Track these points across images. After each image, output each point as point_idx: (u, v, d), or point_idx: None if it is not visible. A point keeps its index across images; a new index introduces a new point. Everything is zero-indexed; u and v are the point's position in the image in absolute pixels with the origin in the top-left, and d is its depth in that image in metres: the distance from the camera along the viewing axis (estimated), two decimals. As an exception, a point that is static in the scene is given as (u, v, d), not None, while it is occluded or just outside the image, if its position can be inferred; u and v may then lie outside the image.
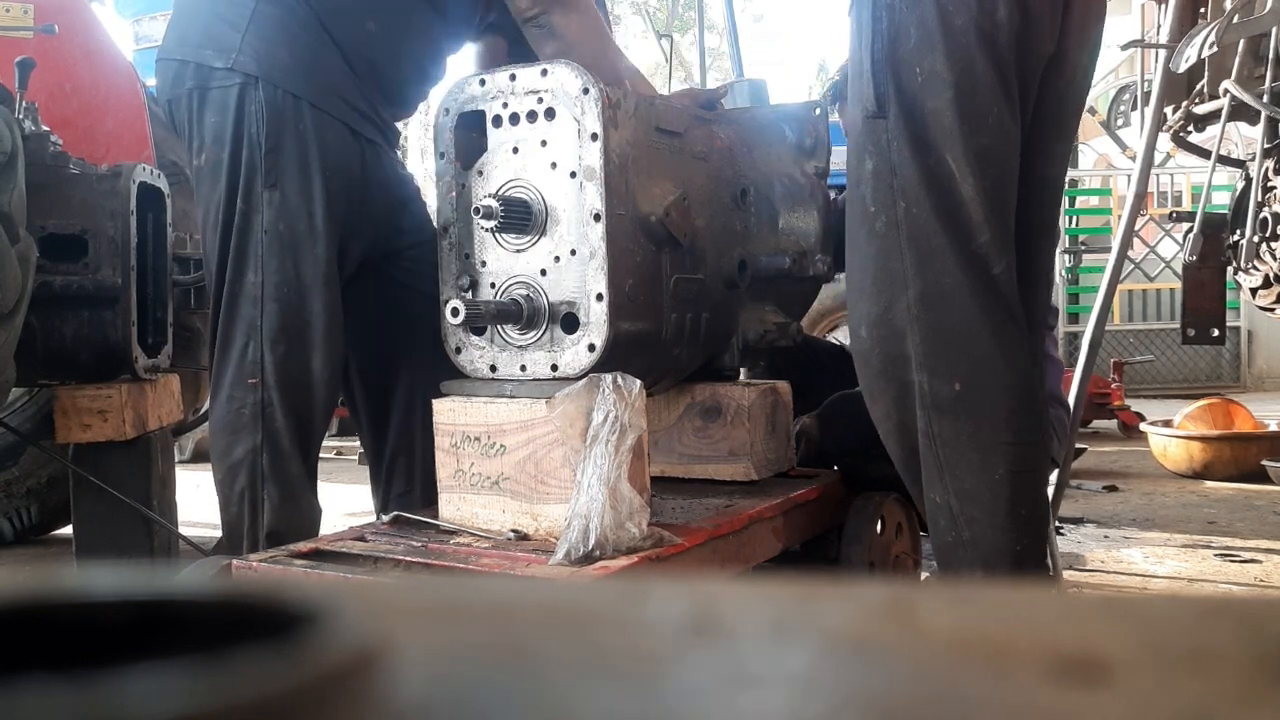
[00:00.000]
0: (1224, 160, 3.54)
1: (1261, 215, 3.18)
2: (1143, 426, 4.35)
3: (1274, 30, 3.04)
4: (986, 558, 1.64)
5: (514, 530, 1.63)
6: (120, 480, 2.58)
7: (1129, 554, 2.75)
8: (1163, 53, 3.40)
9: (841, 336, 5.04)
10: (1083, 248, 7.97)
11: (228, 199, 1.84)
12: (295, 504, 1.87)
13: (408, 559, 1.57)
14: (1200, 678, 0.28)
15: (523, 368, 1.72)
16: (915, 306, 1.65)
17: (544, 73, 1.69)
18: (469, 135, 1.78)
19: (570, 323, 1.68)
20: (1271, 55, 3.07)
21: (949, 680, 0.28)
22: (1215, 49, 3.07)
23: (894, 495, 2.09)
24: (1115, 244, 3.65)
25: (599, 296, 1.65)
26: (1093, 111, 6.02)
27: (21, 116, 2.45)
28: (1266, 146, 3.20)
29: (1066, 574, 2.48)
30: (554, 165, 1.68)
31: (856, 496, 2.08)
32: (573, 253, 1.67)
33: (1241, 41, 3.13)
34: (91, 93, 3.22)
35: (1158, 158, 4.16)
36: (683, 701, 0.27)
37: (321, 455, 5.83)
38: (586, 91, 1.66)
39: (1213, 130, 3.40)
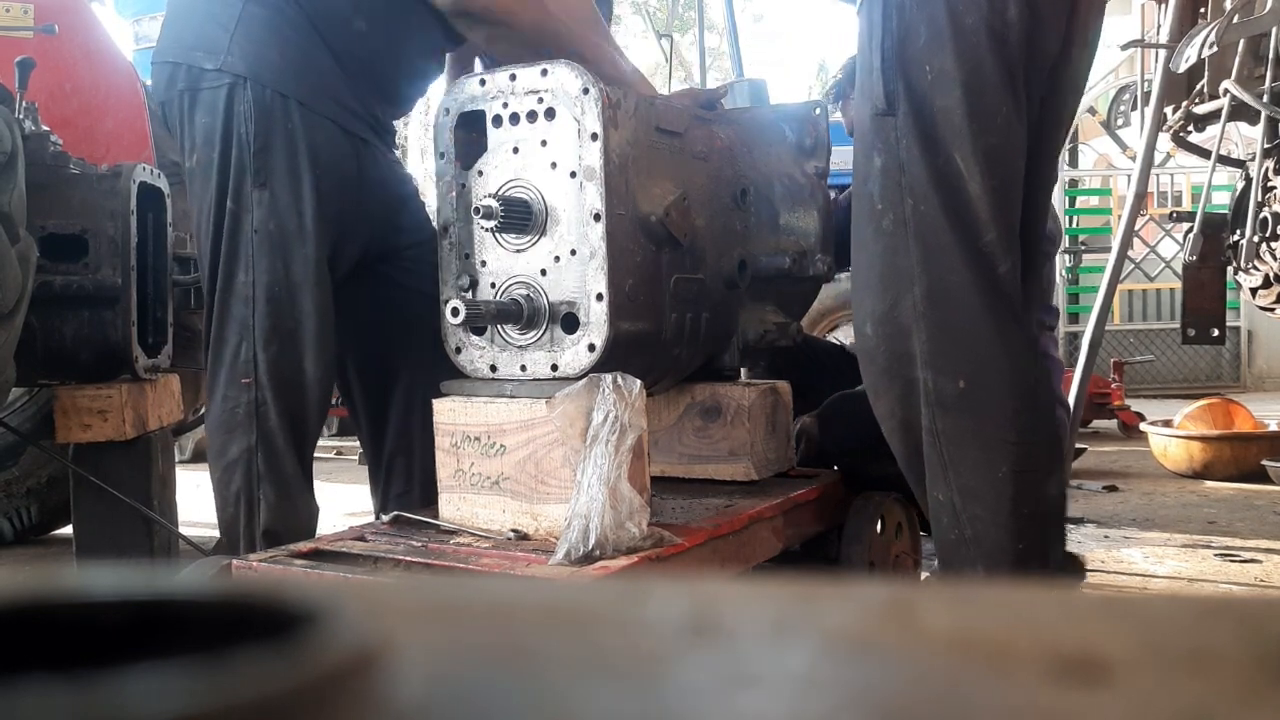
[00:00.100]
0: (1224, 160, 3.55)
1: (1261, 215, 3.18)
2: (1143, 426, 4.35)
3: (1274, 30, 3.04)
4: (988, 556, 1.64)
5: (514, 530, 1.63)
6: (120, 480, 2.58)
7: (1129, 554, 2.75)
8: (1163, 53, 3.40)
9: (842, 336, 5.04)
10: (1083, 248, 7.98)
11: (218, 199, 1.85)
12: (291, 503, 1.88)
13: (408, 559, 1.57)
14: (1200, 678, 0.28)
15: (523, 368, 1.72)
16: (921, 304, 1.65)
17: (544, 73, 1.69)
18: (469, 135, 1.78)
19: (570, 323, 1.68)
20: (1271, 55, 3.07)
21: (949, 680, 0.28)
22: (1215, 49, 3.07)
23: (894, 495, 2.09)
24: (1115, 244, 3.65)
25: (599, 296, 1.65)
26: (1093, 111, 6.03)
27: (21, 116, 2.45)
28: (1266, 146, 3.20)
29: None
30: (554, 165, 1.68)
31: (856, 496, 2.08)
32: (573, 253, 1.67)
33: (1241, 41, 3.13)
34: (91, 93, 3.22)
35: (1158, 158, 4.16)
36: (683, 701, 0.27)
37: (321, 455, 5.82)
38: (586, 91, 1.66)
39: (1213, 130, 3.40)
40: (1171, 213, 6.08)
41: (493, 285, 1.74)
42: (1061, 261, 7.54)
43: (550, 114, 1.69)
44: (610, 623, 0.33)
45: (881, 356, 1.72)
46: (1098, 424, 5.18)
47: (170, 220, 2.66)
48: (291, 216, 1.83)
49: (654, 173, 1.78)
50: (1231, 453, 3.88)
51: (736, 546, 1.73)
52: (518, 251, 1.72)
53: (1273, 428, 4.11)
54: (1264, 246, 3.21)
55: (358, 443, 2.70)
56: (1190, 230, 3.46)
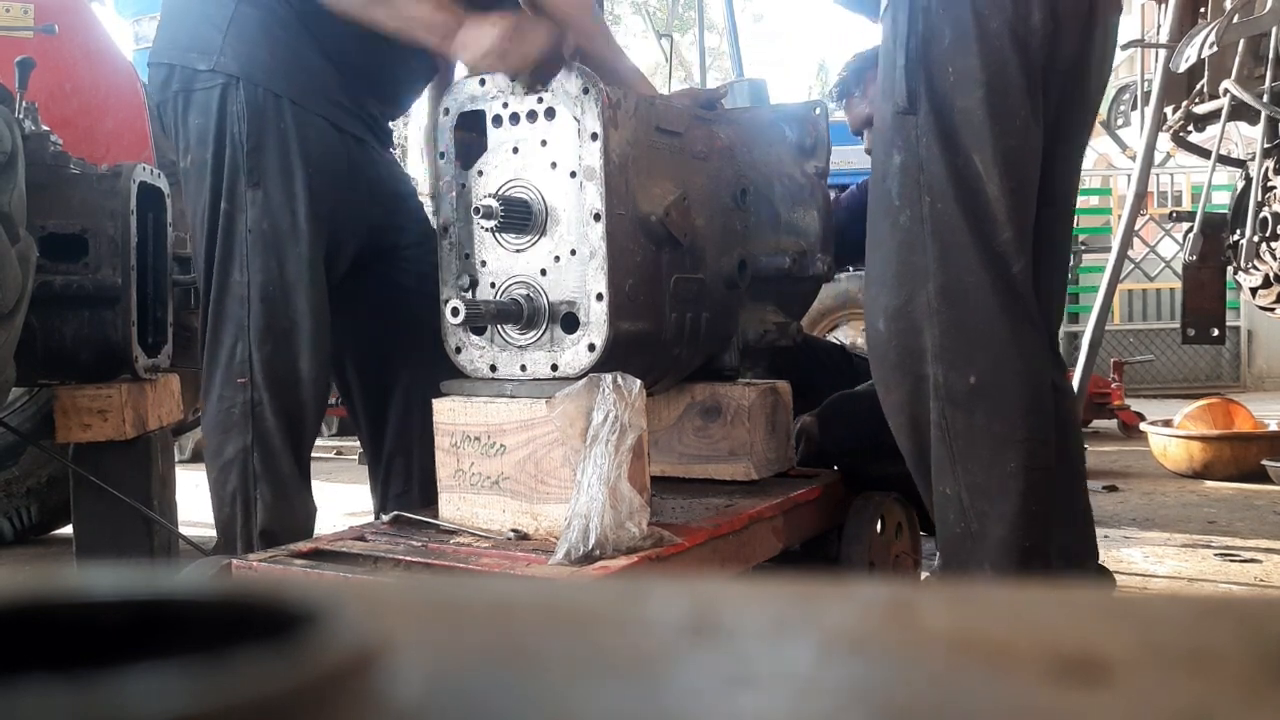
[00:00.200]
0: (1224, 160, 3.55)
1: (1261, 215, 3.18)
2: (1143, 426, 4.35)
3: (1274, 30, 3.04)
4: (993, 552, 1.66)
5: (514, 530, 1.63)
6: (120, 480, 2.58)
7: (1129, 554, 2.75)
8: (1163, 53, 3.41)
9: (842, 336, 5.05)
10: (1083, 248, 7.97)
11: (212, 199, 1.85)
12: (288, 502, 1.87)
13: (408, 559, 1.57)
14: (1200, 678, 0.28)
15: (523, 367, 1.72)
16: (935, 300, 1.68)
17: (544, 73, 1.69)
18: (469, 135, 1.78)
19: (570, 322, 1.68)
20: (1271, 55, 3.07)
21: (949, 680, 0.28)
22: (1215, 49, 3.07)
23: (894, 495, 2.09)
24: (1115, 244, 3.65)
25: (599, 296, 1.65)
26: (1093, 111, 6.02)
27: (21, 116, 2.45)
28: (1266, 146, 3.20)
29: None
30: (554, 165, 1.68)
31: (856, 496, 2.08)
32: (573, 253, 1.67)
33: (1241, 41, 3.13)
34: (91, 93, 3.23)
35: (1158, 157, 4.16)
36: (683, 701, 0.27)
37: (321, 455, 5.81)
38: (586, 91, 1.66)
39: (1213, 130, 3.40)
40: (1171, 213, 6.08)
41: (493, 285, 1.74)
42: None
43: (550, 114, 1.69)
44: (610, 623, 0.33)
45: (893, 351, 1.74)
46: (1098, 424, 5.18)
47: (170, 220, 2.66)
48: (285, 216, 1.83)
49: (654, 173, 1.78)
50: (1231, 453, 3.88)
51: (736, 546, 1.73)
52: (518, 251, 1.72)
53: (1273, 428, 4.11)
54: (1264, 246, 3.21)
55: (358, 443, 2.70)
56: (1190, 230, 3.46)
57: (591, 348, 1.66)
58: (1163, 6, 3.56)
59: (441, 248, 1.80)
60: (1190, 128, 3.54)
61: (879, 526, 2.08)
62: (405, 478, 2.11)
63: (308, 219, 1.84)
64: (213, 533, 1.99)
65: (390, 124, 2.16)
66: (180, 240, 2.79)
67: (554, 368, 1.69)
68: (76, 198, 2.49)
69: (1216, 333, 3.48)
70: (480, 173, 1.76)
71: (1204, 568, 2.63)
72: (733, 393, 1.99)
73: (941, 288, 1.67)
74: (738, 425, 1.97)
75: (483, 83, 1.75)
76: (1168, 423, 4.19)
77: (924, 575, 2.22)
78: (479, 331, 1.76)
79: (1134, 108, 4.08)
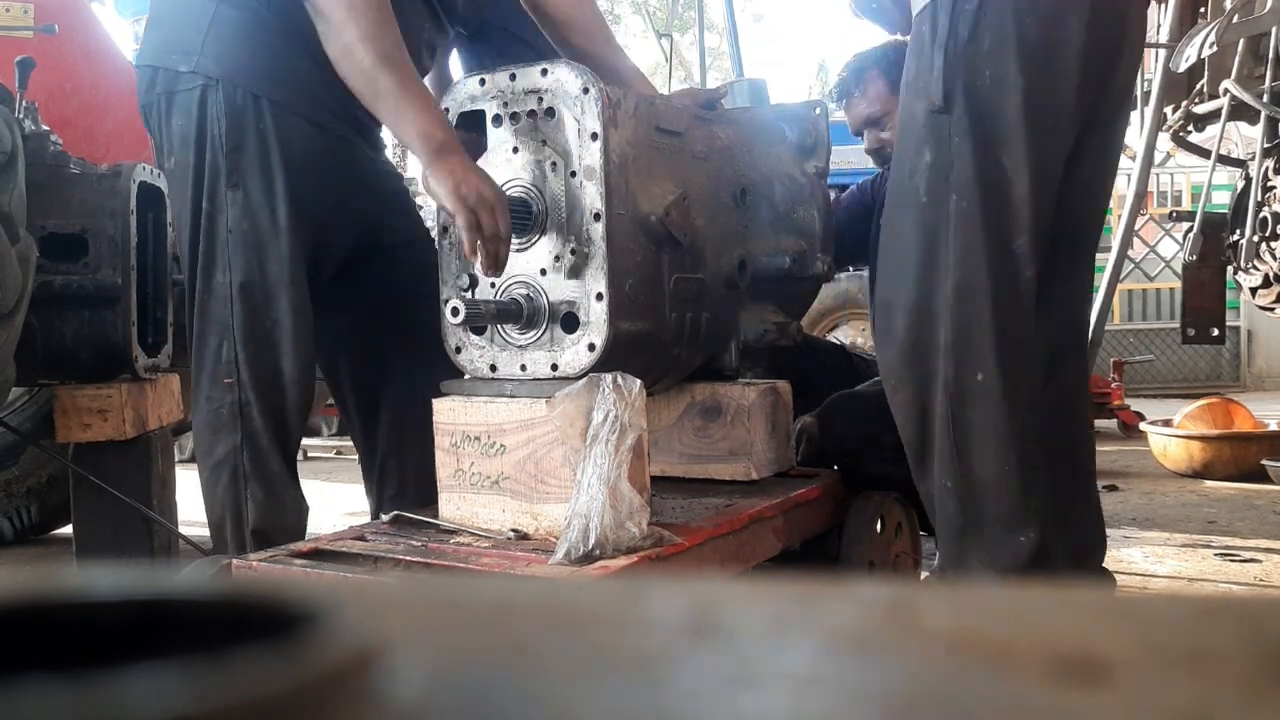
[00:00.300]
0: (1224, 160, 3.55)
1: (1261, 215, 3.19)
2: (1143, 426, 4.35)
3: (1274, 30, 3.04)
4: (990, 547, 1.68)
5: (514, 530, 1.63)
6: (120, 480, 2.58)
7: (1129, 553, 2.75)
8: (1163, 53, 3.41)
9: (842, 336, 5.04)
10: (1083, 247, 7.96)
11: (194, 200, 1.86)
12: (279, 501, 1.88)
13: (408, 559, 1.57)
14: (1200, 678, 0.28)
15: (523, 367, 1.72)
16: (951, 297, 1.71)
17: (544, 72, 1.69)
18: (469, 135, 1.78)
19: (570, 322, 1.68)
20: (1271, 55, 3.07)
21: (949, 680, 0.28)
22: (1215, 49, 3.07)
23: (894, 495, 2.09)
24: (1115, 244, 3.65)
25: (599, 296, 1.65)
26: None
27: (21, 116, 2.45)
28: (1266, 146, 3.20)
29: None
30: (554, 165, 1.68)
31: (856, 496, 2.08)
32: (573, 252, 1.67)
33: (1241, 41, 3.13)
34: (91, 93, 3.23)
35: (1158, 157, 4.17)
36: (683, 701, 0.27)
37: (321, 455, 5.80)
38: (586, 91, 1.66)
39: (1213, 130, 3.40)
40: (1171, 212, 6.08)
41: (493, 285, 1.74)
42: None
43: (550, 113, 1.69)
44: (610, 623, 0.33)
45: (909, 346, 1.78)
46: (1098, 424, 5.15)
47: (170, 220, 2.66)
48: (265, 216, 1.84)
49: (654, 172, 1.78)
50: (1231, 452, 3.88)
51: (736, 546, 1.73)
52: (518, 251, 1.72)
53: (1272, 427, 4.11)
54: (1264, 246, 3.21)
55: (357, 442, 2.69)
56: (1190, 230, 3.46)
57: (591, 347, 1.66)
58: (1163, 6, 3.56)
59: (441, 248, 1.80)
60: (1190, 128, 3.54)
61: (879, 526, 2.08)
62: (400, 479, 2.11)
63: (288, 219, 1.84)
64: (212, 532, 1.99)
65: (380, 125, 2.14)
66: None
67: (554, 367, 1.69)
68: (76, 198, 2.49)
69: (1216, 333, 3.49)
70: (480, 173, 1.75)
71: (1204, 568, 2.63)
72: (733, 393, 1.99)
73: (958, 285, 1.71)
74: (738, 425, 1.97)
75: (483, 82, 1.75)
76: (1168, 423, 4.19)
77: (924, 575, 2.22)
78: (479, 331, 1.76)
79: (1134, 108, 4.08)
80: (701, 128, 1.95)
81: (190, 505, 3.14)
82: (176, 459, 3.02)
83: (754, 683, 0.28)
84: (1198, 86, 3.38)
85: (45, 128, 2.57)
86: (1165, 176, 7.93)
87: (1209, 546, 2.83)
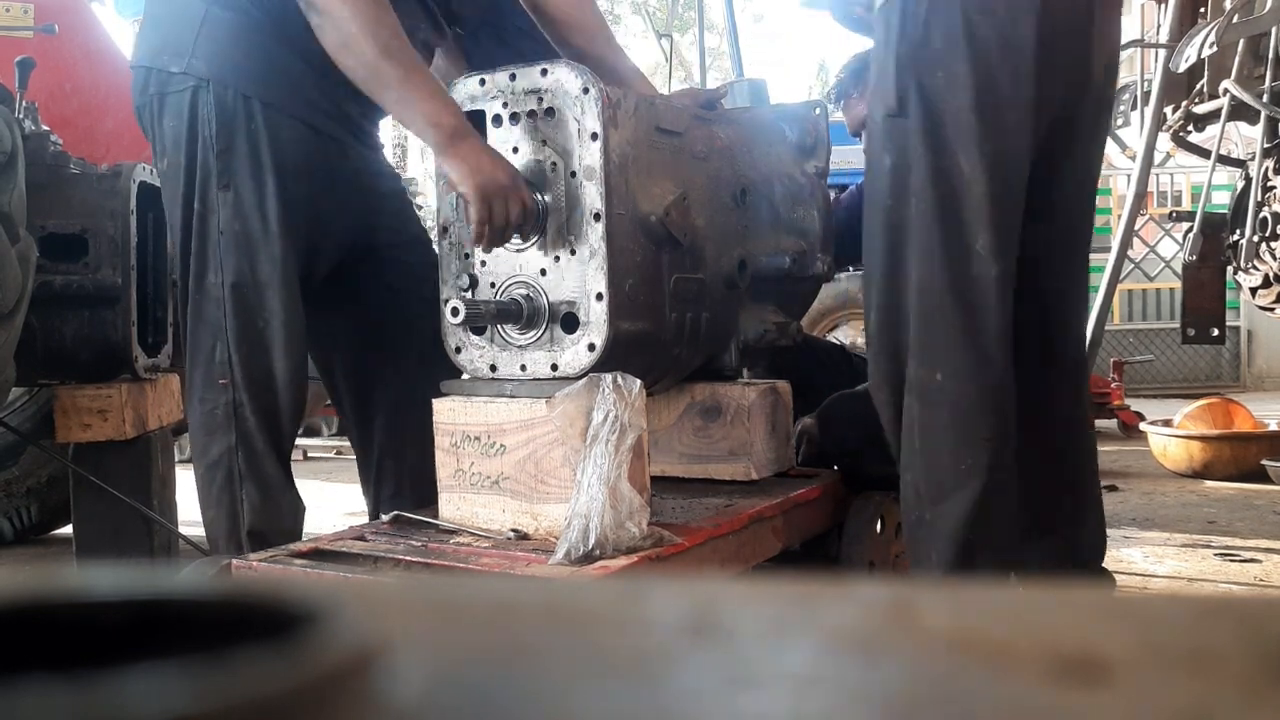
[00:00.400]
0: (1224, 160, 3.55)
1: (1261, 215, 3.19)
2: (1143, 426, 4.35)
3: (1274, 30, 3.04)
4: (945, 545, 1.69)
5: (514, 530, 1.63)
6: (120, 480, 2.58)
7: (1129, 554, 2.75)
8: (1163, 53, 3.41)
9: (842, 336, 5.04)
10: (1083, 247, 7.96)
11: (185, 201, 1.86)
12: (274, 502, 1.88)
13: (408, 559, 1.57)
14: (1200, 678, 0.28)
15: (523, 367, 1.72)
16: (915, 297, 1.71)
17: (544, 72, 1.69)
18: (469, 135, 1.78)
19: (570, 322, 1.68)
20: (1271, 55, 3.07)
21: (949, 680, 0.28)
22: (1215, 49, 3.07)
23: (894, 495, 2.09)
24: (1115, 244, 3.65)
25: (599, 296, 1.65)
26: (1093, 111, 6.02)
27: (21, 116, 2.45)
28: (1266, 146, 3.20)
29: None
30: (554, 165, 1.68)
31: (856, 496, 2.08)
32: (573, 252, 1.67)
33: (1241, 41, 3.13)
34: (91, 93, 3.23)
35: (1158, 157, 4.16)
36: (683, 701, 0.27)
37: (321, 455, 5.78)
38: (586, 91, 1.66)
39: (1213, 130, 3.40)
40: (1171, 213, 6.08)
41: (493, 285, 1.74)
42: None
43: (550, 114, 1.69)
44: (610, 623, 0.33)
45: (880, 346, 1.80)
46: (1098, 424, 5.15)
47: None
48: (255, 217, 1.84)
49: (654, 173, 1.78)
50: (1231, 452, 3.88)
51: (736, 546, 1.73)
52: (518, 251, 1.72)
53: (1272, 427, 4.11)
54: (1264, 246, 3.21)
55: (357, 443, 2.69)
56: (1190, 230, 3.46)
57: (591, 348, 1.66)
58: (1163, 6, 3.56)
59: (441, 247, 1.80)
60: (1190, 128, 3.54)
61: (879, 526, 2.08)
62: (396, 480, 2.11)
63: (279, 219, 1.84)
64: (211, 533, 1.99)
65: (377, 125, 2.14)
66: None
67: (554, 368, 1.69)
68: (76, 198, 2.49)
69: (1216, 333, 3.49)
70: (480, 173, 1.75)
71: (1204, 568, 2.63)
72: (733, 393, 1.99)
73: (921, 286, 1.71)
74: (738, 425, 1.97)
75: (483, 83, 1.75)
76: (1168, 423, 4.19)
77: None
78: (479, 331, 1.76)
79: (1134, 108, 4.08)
80: (701, 128, 1.95)
81: (190, 505, 3.14)
82: (176, 459, 3.02)
83: (754, 683, 0.28)
84: (1198, 86, 3.38)
85: (45, 128, 2.57)
86: (1165, 176, 7.93)
87: (1209, 546, 2.83)
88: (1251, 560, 2.68)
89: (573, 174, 1.67)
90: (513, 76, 1.72)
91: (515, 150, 1.72)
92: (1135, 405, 5.25)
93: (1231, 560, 2.68)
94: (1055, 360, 1.87)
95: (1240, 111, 3.26)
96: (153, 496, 2.64)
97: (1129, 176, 3.73)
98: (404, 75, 1.66)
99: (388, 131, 2.23)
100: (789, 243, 2.10)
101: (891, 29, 1.72)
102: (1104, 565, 1.96)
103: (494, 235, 1.62)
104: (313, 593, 0.26)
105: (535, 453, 1.62)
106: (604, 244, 1.64)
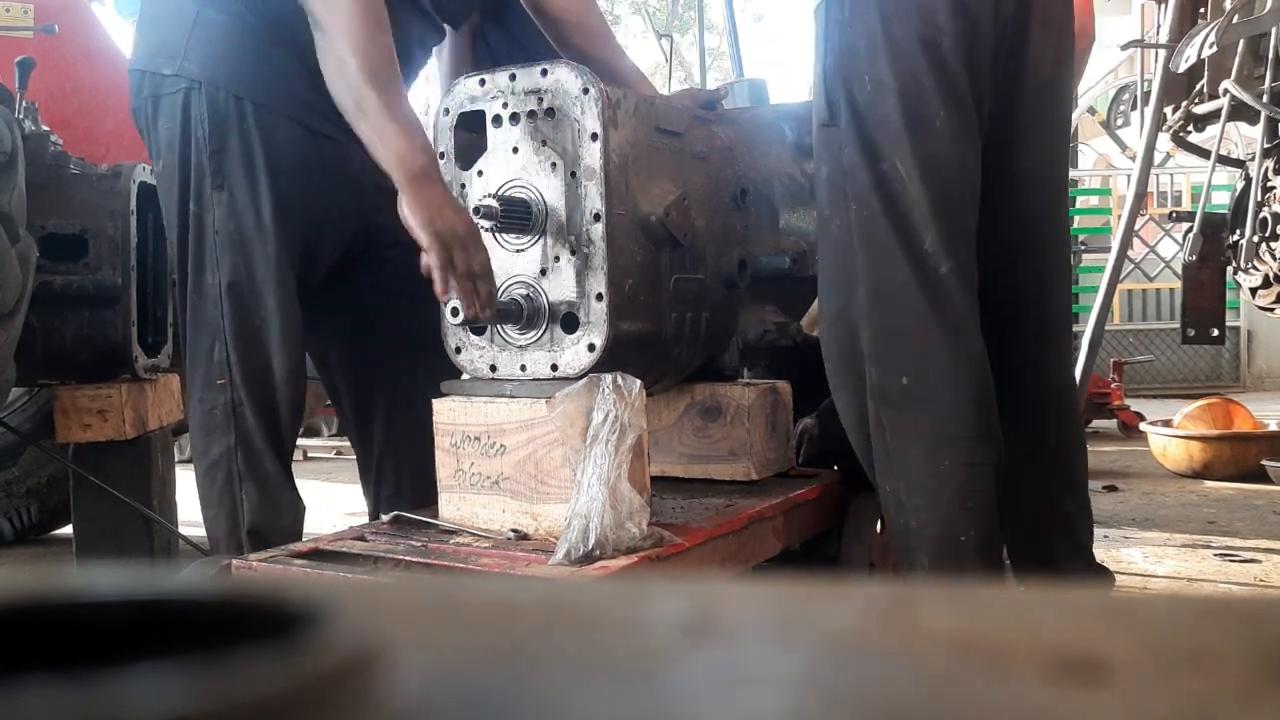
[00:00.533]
0: (1224, 160, 3.55)
1: (1261, 215, 3.19)
2: (1142, 426, 4.35)
3: (1274, 30, 3.04)
4: (933, 547, 1.68)
5: (514, 530, 1.63)
6: (120, 480, 2.58)
7: (1129, 554, 2.75)
8: (1163, 53, 3.41)
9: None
10: (1083, 247, 7.97)
11: (180, 203, 1.87)
12: (274, 502, 1.88)
13: (408, 559, 1.57)
14: (1200, 678, 0.28)
15: (523, 368, 1.72)
16: (865, 304, 1.72)
17: (544, 72, 1.69)
18: (469, 135, 1.78)
19: (570, 322, 1.68)
20: (1271, 55, 3.07)
21: (949, 680, 0.28)
22: (1215, 49, 3.07)
23: (894, 495, 2.09)
24: (1115, 244, 3.65)
25: (599, 296, 1.65)
26: (1092, 111, 6.03)
27: (21, 116, 2.45)
28: (1266, 146, 3.20)
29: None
30: (554, 165, 1.68)
31: (856, 496, 2.08)
32: (573, 253, 1.67)
33: (1241, 41, 3.13)
34: (91, 93, 3.23)
35: (1158, 158, 4.17)
36: (683, 701, 0.27)
37: (321, 455, 5.79)
38: (586, 91, 1.66)
39: (1213, 130, 3.40)
40: (1171, 213, 6.08)
41: (493, 285, 1.74)
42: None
43: (550, 114, 1.69)
44: (610, 623, 0.33)
45: (836, 355, 1.80)
46: (1098, 424, 5.17)
47: (170, 220, 2.66)
48: (250, 216, 1.84)
49: (654, 173, 1.78)
50: (1231, 453, 3.88)
51: (736, 546, 1.73)
52: (518, 251, 1.72)
53: (1272, 428, 4.11)
54: (1264, 246, 3.21)
55: (357, 443, 2.69)
56: (1190, 230, 3.46)
57: (591, 348, 1.66)
58: (1163, 6, 3.56)
59: (441, 248, 1.80)
60: (1190, 128, 3.54)
61: (879, 526, 2.07)
62: (396, 480, 2.11)
63: (273, 219, 1.84)
64: (212, 533, 1.99)
65: None
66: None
67: (554, 368, 1.69)
68: (76, 198, 2.49)
69: (1216, 333, 3.49)
70: (480, 173, 1.76)
71: (1204, 568, 2.63)
72: (733, 393, 1.99)
73: (870, 292, 1.71)
74: (738, 425, 1.97)
75: (483, 83, 1.75)
76: (1167, 423, 4.19)
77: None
78: (479, 332, 1.76)
79: (1134, 108, 4.08)
80: (701, 128, 1.95)
81: (190, 505, 3.14)
82: (176, 459, 3.02)
83: (753, 683, 0.28)
84: (1198, 87, 3.38)
85: (45, 128, 2.57)
86: (1165, 177, 7.93)
87: (1209, 546, 2.83)
88: (1251, 560, 2.68)
89: (573, 174, 1.67)
90: (513, 76, 1.72)
91: (515, 150, 1.72)
92: (1135, 405, 5.25)
93: (1231, 560, 2.68)
94: (1031, 358, 1.86)
95: (1240, 112, 3.26)
96: (153, 496, 2.64)
97: (1129, 176, 3.73)
98: (384, 106, 1.63)
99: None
100: (789, 243, 2.10)
101: (819, 39, 1.74)
102: (1101, 563, 1.96)
103: (462, 285, 1.58)
104: (313, 593, 0.26)
105: (535, 453, 1.62)
106: (604, 244, 1.64)
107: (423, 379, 1.85)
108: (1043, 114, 1.84)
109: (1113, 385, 5.04)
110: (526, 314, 1.68)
